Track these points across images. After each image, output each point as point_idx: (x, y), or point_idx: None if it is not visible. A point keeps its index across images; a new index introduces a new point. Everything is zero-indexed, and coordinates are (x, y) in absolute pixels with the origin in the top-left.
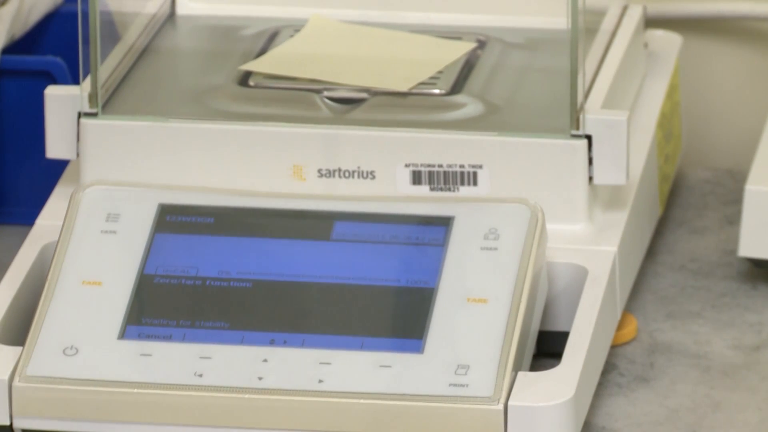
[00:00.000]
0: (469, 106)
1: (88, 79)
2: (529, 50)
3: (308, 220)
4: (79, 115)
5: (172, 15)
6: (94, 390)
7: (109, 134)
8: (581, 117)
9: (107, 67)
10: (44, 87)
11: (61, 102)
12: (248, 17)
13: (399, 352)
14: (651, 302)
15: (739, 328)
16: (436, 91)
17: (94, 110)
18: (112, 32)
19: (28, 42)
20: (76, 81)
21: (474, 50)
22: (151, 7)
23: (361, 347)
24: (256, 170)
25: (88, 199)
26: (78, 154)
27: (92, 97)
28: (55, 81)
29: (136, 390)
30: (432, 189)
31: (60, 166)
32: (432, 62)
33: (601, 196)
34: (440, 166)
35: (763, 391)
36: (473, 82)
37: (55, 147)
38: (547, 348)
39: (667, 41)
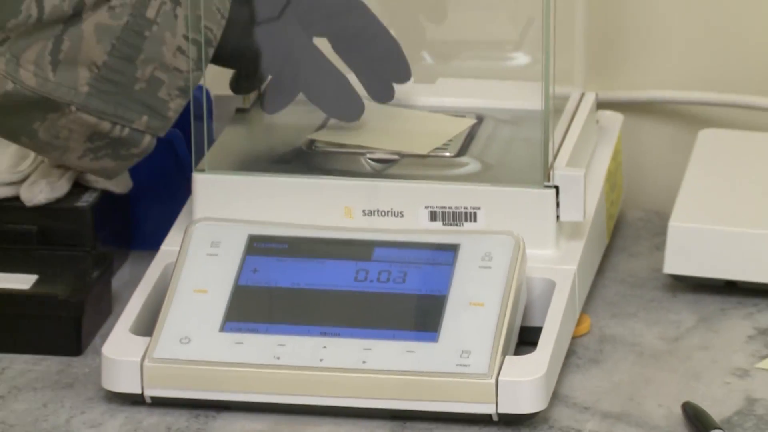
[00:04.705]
0: (470, 164)
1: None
2: (514, 125)
3: (355, 246)
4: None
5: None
6: (201, 368)
7: (212, 184)
8: (551, 173)
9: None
10: (167, 151)
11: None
12: None
13: (420, 341)
14: (600, 306)
15: (664, 325)
16: (447, 153)
17: (202, 168)
18: (211, 108)
19: None
20: (188, 140)
21: (474, 125)
22: None
23: (393, 338)
24: (318, 210)
25: (197, 231)
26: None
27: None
28: (175, 147)
29: (231, 368)
30: (444, 224)
31: (178, 207)
32: (444, 133)
33: (565, 230)
34: (450, 207)
35: (681, 370)
36: (474, 148)
37: None
38: (526, 339)
39: (612, 118)
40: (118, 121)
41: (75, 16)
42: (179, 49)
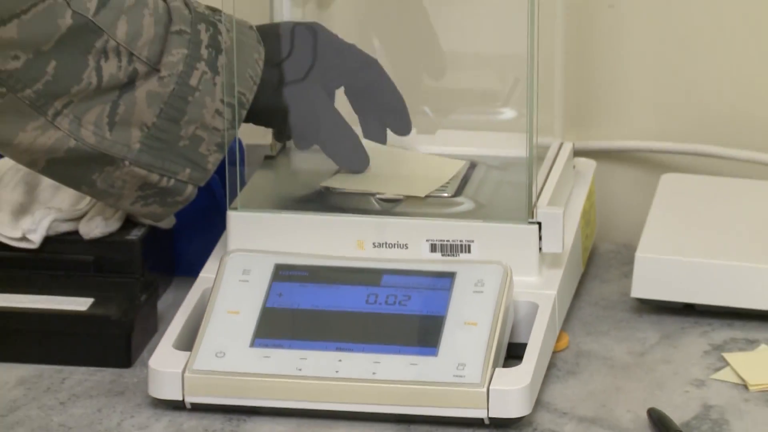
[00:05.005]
0: (465, 204)
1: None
2: (503, 170)
3: (366, 273)
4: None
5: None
6: (234, 379)
7: (244, 220)
8: (535, 210)
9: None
10: (206, 192)
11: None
12: None
13: (422, 355)
14: (577, 325)
15: (631, 341)
16: (445, 194)
17: (236, 207)
18: (243, 156)
19: None
20: (223, 183)
21: (469, 168)
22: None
23: (399, 352)
24: (335, 243)
25: (231, 261)
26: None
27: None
28: (212, 189)
29: (260, 379)
30: (443, 255)
31: (214, 240)
32: (442, 176)
33: (547, 259)
34: (448, 240)
35: (646, 380)
36: (468, 189)
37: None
38: (513, 353)
39: (587, 164)
40: (165, 173)
41: (129, 84)
42: (217, 112)
